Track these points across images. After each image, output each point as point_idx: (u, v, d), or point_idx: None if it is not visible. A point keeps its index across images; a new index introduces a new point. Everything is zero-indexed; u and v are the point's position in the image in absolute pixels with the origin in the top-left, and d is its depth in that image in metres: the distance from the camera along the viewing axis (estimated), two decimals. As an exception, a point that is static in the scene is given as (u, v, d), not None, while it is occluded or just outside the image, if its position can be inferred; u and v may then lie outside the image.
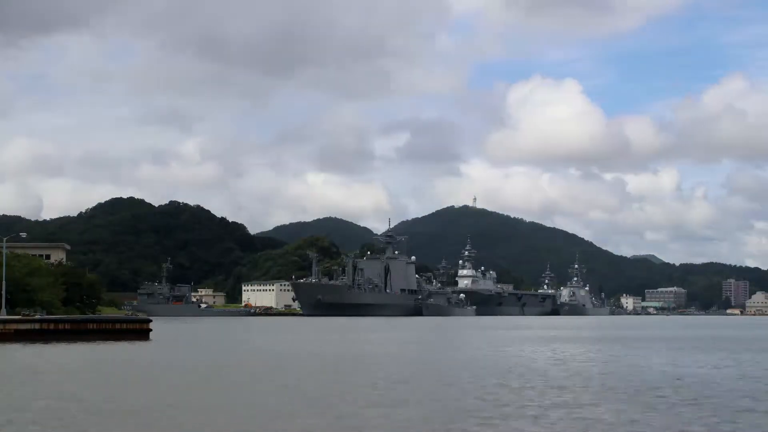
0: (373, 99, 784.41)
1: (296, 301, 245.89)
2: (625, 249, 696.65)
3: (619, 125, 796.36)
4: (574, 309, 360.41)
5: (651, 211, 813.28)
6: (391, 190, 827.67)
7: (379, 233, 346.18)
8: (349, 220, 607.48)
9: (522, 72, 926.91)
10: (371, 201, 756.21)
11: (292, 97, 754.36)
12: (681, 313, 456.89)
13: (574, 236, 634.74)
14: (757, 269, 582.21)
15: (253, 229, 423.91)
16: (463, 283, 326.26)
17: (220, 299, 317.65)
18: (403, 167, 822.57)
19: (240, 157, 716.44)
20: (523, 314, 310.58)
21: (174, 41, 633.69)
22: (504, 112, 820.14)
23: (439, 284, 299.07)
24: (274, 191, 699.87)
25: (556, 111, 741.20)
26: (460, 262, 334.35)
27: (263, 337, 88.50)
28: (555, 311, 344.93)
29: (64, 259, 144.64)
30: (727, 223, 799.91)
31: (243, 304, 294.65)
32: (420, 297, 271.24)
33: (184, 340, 77.88)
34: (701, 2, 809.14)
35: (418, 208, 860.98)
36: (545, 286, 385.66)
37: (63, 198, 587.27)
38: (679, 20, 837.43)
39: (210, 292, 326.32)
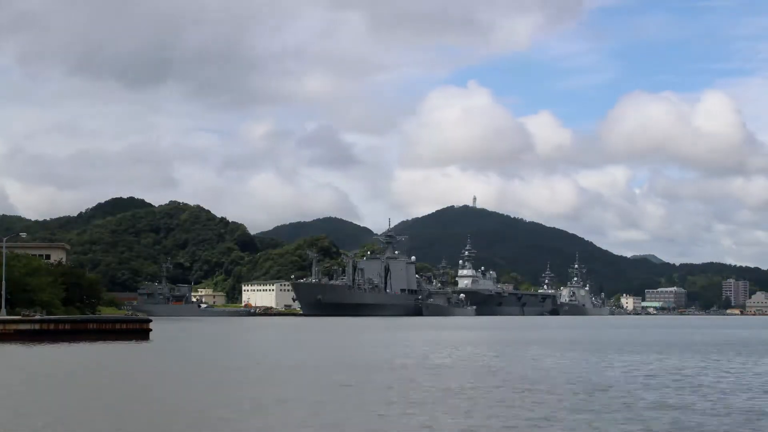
0: (256, 107, 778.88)
1: (296, 301, 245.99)
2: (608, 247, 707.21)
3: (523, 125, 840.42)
4: (574, 309, 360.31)
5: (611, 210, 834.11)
6: (349, 193, 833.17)
7: (379, 233, 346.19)
8: (349, 220, 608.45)
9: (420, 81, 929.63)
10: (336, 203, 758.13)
11: (184, 109, 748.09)
12: (681, 313, 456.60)
13: (574, 236, 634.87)
14: (757, 269, 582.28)
15: (252, 229, 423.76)
16: (463, 283, 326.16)
17: (220, 299, 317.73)
18: (342, 173, 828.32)
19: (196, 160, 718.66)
20: (523, 314, 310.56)
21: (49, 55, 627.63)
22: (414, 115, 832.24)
23: (439, 284, 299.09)
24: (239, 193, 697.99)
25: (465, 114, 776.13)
26: (460, 262, 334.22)
27: (258, 338, 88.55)
28: (555, 311, 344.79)
29: (64, 259, 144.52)
30: (687, 223, 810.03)
31: (243, 304, 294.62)
32: (420, 297, 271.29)
33: (183, 341, 77.88)
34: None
35: (382, 211, 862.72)
36: (545, 286, 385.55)
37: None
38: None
39: (210, 292, 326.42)
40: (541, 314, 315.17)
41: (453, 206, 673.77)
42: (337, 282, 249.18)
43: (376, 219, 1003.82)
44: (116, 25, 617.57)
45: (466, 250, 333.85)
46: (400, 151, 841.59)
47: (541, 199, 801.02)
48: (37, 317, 70.74)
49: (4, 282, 77.02)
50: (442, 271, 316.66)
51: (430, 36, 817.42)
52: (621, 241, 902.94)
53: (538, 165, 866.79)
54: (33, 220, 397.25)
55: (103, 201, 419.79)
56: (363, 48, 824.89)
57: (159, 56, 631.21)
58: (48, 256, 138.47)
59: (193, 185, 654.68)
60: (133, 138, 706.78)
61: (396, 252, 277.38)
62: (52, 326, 68.06)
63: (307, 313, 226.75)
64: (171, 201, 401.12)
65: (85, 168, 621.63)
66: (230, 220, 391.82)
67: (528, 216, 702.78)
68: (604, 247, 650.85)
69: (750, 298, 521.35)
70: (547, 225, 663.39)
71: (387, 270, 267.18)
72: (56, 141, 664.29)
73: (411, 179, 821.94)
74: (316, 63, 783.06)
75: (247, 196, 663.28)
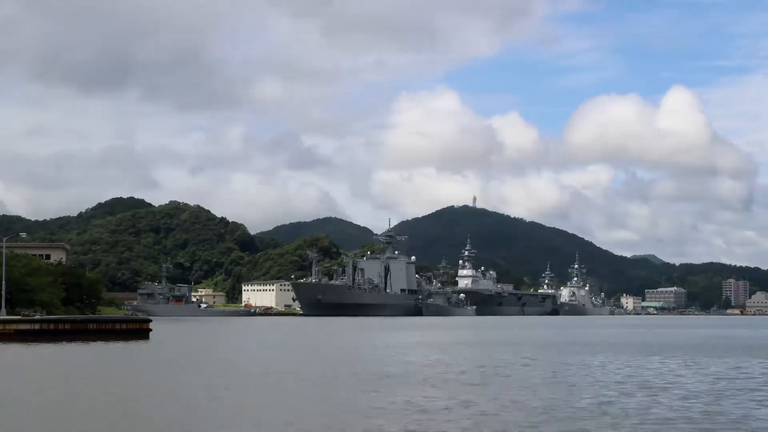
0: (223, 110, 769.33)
1: (296, 301, 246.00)
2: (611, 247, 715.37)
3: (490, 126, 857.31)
4: (574, 309, 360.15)
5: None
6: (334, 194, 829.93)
7: (379, 233, 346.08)
8: (349, 220, 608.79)
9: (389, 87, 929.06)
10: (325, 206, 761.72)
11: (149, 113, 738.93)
12: (681, 313, 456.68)
13: (574, 236, 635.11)
14: (757, 269, 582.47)
15: (253, 229, 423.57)
16: (463, 283, 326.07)
17: (220, 299, 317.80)
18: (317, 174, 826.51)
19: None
20: (523, 314, 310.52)
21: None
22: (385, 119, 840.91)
23: (439, 284, 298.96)
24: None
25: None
26: (460, 262, 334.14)
27: (249, 340, 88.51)
28: (555, 311, 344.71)
29: (64, 259, 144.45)
30: (673, 224, 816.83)
31: (243, 304, 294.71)
32: (420, 297, 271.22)
33: (183, 341, 77.85)
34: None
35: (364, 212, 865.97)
36: (545, 286, 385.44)
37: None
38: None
39: (210, 292, 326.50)
40: (542, 314, 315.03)
41: (453, 206, 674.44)
42: (337, 282, 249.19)
43: (364, 220, 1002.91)
44: (78, 31, 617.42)
45: (466, 250, 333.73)
46: (372, 154, 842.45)
47: (521, 199, 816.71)
48: (37, 317, 70.69)
49: (4, 282, 77.00)
50: (442, 271, 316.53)
51: (392, 42, 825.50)
52: (613, 240, 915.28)
53: (511, 165, 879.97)
54: (33, 220, 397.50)
55: (102, 202, 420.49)
56: (324, 54, 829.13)
57: (122, 61, 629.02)
58: (48, 256, 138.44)
59: (174, 186, 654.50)
60: (100, 141, 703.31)
61: (396, 252, 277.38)
62: (52, 326, 67.98)
63: (307, 313, 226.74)
64: (171, 201, 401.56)
65: (62, 170, 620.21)
66: (230, 220, 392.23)
67: (511, 215, 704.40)
68: (604, 247, 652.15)
69: (750, 298, 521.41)
70: (547, 225, 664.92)
71: (387, 270, 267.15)
72: (29, 144, 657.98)
73: (391, 180, 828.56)
74: (282, 69, 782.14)
75: (232, 198, 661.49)
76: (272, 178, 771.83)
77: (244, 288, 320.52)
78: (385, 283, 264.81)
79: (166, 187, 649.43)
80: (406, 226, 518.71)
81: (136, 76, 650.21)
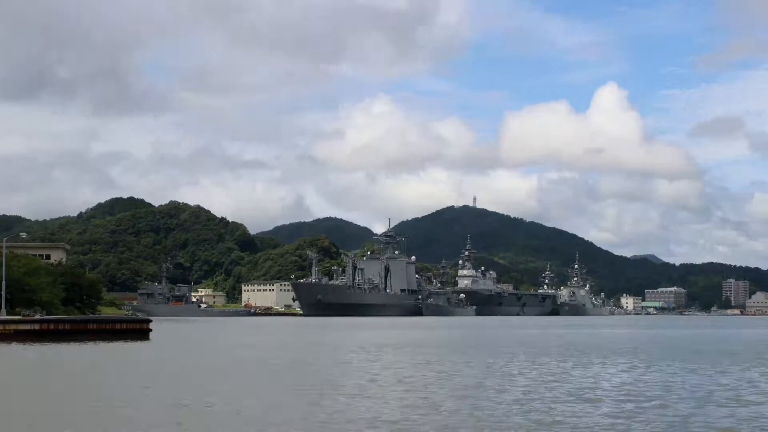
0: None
1: (296, 301, 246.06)
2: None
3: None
4: (574, 309, 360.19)
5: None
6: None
7: (379, 233, 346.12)
8: (348, 220, 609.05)
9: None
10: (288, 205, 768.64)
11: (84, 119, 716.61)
12: (681, 313, 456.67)
13: (574, 236, 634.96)
14: (757, 269, 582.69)
15: (252, 230, 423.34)
16: (463, 283, 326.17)
17: (220, 299, 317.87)
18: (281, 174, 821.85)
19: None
20: (523, 314, 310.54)
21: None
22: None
23: (439, 284, 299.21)
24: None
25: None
26: (460, 262, 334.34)
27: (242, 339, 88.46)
28: (555, 311, 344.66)
29: (64, 259, 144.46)
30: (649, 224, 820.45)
31: (243, 304, 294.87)
32: (420, 297, 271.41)
33: (183, 341, 77.86)
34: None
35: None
36: (545, 286, 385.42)
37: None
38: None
39: (210, 292, 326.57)
40: (542, 314, 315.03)
41: (453, 206, 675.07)
42: (337, 282, 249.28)
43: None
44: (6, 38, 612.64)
45: (466, 250, 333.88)
46: (319, 159, 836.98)
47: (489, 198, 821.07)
48: (37, 317, 70.71)
49: (4, 282, 77.03)
50: (442, 271, 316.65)
51: (324, 50, 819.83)
52: (592, 239, 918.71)
53: (456, 167, 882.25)
54: (33, 220, 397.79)
55: (102, 202, 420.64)
56: (254, 63, 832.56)
57: (42, 72, 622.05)
58: (48, 256, 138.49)
59: (133, 189, 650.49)
60: (43, 147, 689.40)
61: (396, 252, 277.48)
62: (52, 326, 67.96)
63: (307, 313, 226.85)
64: (171, 201, 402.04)
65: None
66: (230, 220, 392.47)
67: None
68: (604, 247, 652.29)
69: (750, 298, 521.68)
70: (547, 225, 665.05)
71: (387, 270, 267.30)
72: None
73: (352, 183, 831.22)
74: (208, 79, 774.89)
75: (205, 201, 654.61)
76: (229, 182, 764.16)
77: (244, 288, 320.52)
78: (385, 283, 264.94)
79: (123, 188, 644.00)
80: (405, 226, 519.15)
81: (51, 85, 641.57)
